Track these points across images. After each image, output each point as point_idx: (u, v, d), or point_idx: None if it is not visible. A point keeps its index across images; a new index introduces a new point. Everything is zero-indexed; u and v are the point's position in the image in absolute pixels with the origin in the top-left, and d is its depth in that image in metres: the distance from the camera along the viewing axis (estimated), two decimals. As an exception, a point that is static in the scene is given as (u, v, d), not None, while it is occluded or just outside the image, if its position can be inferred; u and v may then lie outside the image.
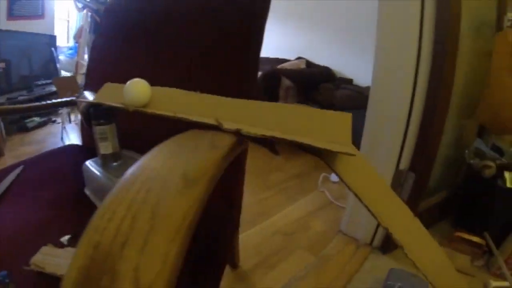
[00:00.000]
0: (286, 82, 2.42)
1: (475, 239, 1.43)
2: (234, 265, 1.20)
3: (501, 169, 1.43)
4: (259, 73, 2.67)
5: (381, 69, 1.21)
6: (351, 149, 0.43)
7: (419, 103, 1.15)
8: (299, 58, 3.12)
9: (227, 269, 1.19)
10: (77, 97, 0.90)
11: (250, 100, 0.54)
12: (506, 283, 1.27)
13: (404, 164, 1.20)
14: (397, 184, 1.21)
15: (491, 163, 1.44)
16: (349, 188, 0.44)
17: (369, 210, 0.44)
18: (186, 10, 0.96)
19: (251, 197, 1.82)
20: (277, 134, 0.44)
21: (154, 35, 1.00)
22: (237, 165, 0.87)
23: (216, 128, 0.45)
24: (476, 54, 1.68)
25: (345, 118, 0.47)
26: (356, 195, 0.44)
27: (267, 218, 1.62)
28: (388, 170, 1.22)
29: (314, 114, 0.50)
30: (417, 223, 0.49)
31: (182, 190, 0.28)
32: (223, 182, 0.86)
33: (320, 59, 3.06)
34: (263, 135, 0.43)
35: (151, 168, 0.31)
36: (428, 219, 1.60)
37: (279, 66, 2.84)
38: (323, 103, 2.47)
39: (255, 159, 2.31)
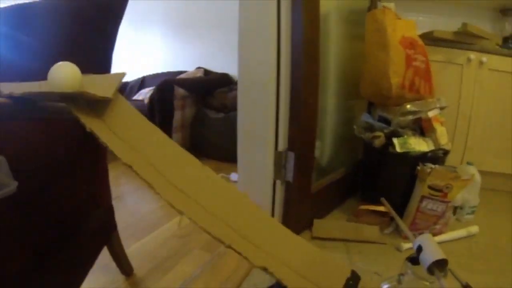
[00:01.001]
0: (180, 91, 2.36)
1: (380, 208, 1.46)
2: (127, 273, 1.16)
3: (390, 137, 1.49)
4: (153, 88, 2.56)
5: (245, 56, 1.24)
6: (106, 93, 0.47)
7: (285, 85, 1.18)
8: (198, 68, 3.07)
9: (121, 278, 1.15)
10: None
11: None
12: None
13: (282, 146, 1.20)
14: (280, 166, 1.21)
15: (379, 133, 1.51)
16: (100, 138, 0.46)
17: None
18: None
19: (150, 205, 1.76)
20: (31, 89, 0.47)
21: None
22: (97, 165, 0.87)
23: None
24: (350, 38, 1.78)
25: (117, 77, 0.51)
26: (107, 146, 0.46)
27: (165, 223, 1.58)
28: (268, 153, 1.23)
29: (89, 78, 0.55)
30: (207, 173, 0.47)
31: None
32: (85, 181, 0.84)
33: (219, 67, 3.05)
34: (24, 93, 0.46)
35: None
36: (335, 197, 1.61)
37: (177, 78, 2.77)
38: (218, 106, 2.49)
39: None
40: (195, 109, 2.51)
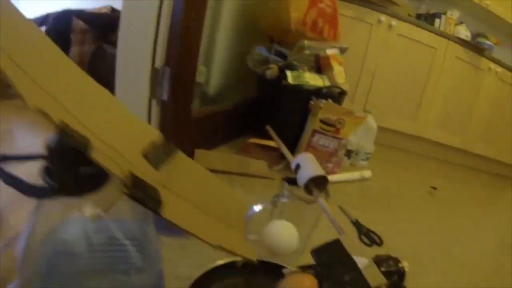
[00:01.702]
0: (80, 24, 2.13)
1: (270, 143, 1.40)
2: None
3: (283, 70, 1.44)
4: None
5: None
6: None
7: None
8: (105, 6, 2.80)
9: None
10: None
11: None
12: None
13: (159, 62, 1.13)
14: (155, 83, 1.13)
15: (273, 65, 1.45)
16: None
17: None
18: None
19: (35, 139, 1.52)
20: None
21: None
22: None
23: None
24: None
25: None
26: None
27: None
28: (144, 70, 1.14)
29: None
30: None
31: None
32: None
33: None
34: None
35: None
36: (223, 130, 1.54)
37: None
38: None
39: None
40: (95, 46, 2.28)
